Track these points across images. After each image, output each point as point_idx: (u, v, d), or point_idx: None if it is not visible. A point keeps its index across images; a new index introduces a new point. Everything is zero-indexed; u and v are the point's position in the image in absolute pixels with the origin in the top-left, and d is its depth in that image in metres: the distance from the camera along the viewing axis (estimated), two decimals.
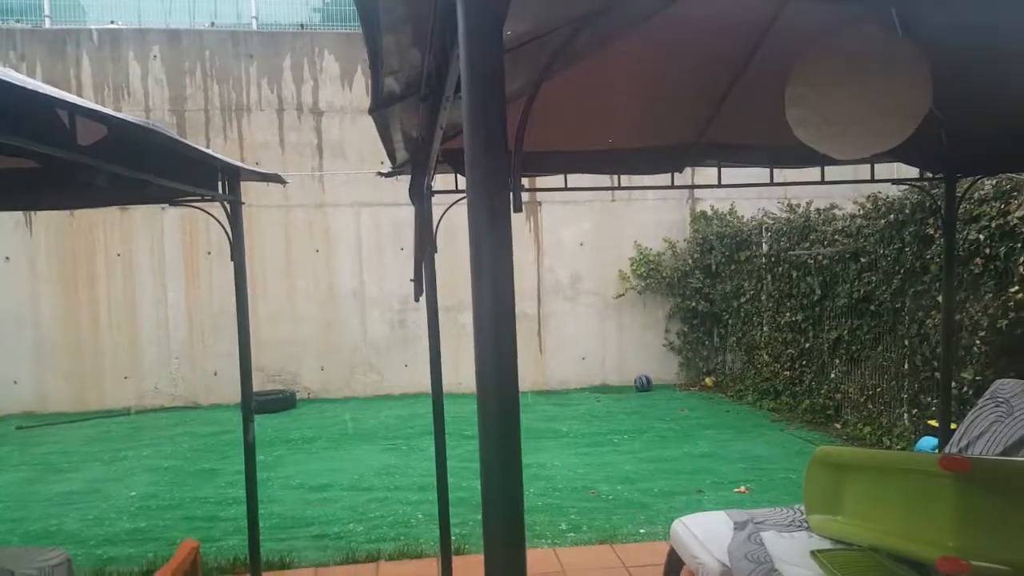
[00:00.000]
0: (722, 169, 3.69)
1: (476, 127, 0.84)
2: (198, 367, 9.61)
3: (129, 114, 2.30)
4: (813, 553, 2.62)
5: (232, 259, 3.50)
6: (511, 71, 2.07)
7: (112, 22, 9.79)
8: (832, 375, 7.40)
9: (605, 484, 5.70)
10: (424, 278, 3.19)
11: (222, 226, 3.53)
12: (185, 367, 9.62)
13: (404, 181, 3.05)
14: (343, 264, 9.84)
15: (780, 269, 8.32)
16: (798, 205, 8.29)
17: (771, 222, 8.64)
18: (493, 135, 0.84)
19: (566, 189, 3.57)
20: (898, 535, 2.53)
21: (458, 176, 3.24)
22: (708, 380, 9.91)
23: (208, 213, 3.72)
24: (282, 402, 9.12)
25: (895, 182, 4.02)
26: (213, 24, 10.16)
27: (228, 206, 3.48)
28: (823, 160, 3.26)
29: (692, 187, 4.27)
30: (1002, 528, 2.24)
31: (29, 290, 9.35)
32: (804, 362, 7.92)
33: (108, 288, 9.48)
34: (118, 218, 9.42)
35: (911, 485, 2.56)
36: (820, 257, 7.45)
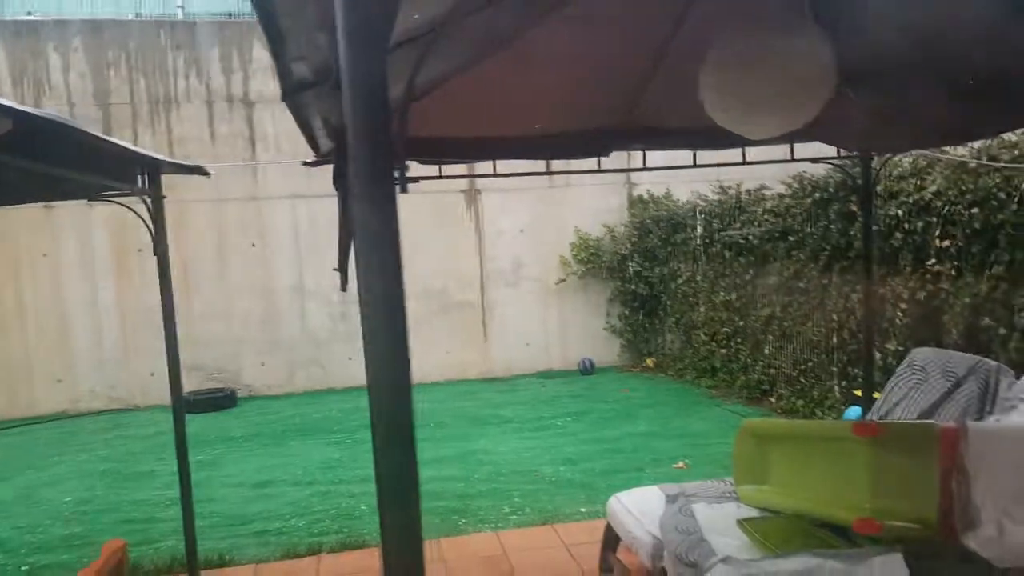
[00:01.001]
0: (650, 153, 3.77)
1: (355, 111, 0.84)
2: (133, 368, 9.26)
3: (50, 108, 2.20)
4: (739, 522, 2.72)
5: (155, 254, 3.40)
6: (417, 61, 2.05)
7: (29, 13, 9.29)
8: (766, 351, 7.64)
9: (549, 467, 5.78)
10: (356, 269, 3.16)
11: (144, 222, 3.41)
12: (120, 368, 9.27)
13: None
14: (281, 258, 9.63)
15: (714, 250, 8.53)
16: (730, 187, 8.49)
17: (704, 204, 8.83)
18: (372, 119, 0.84)
19: (495, 176, 3.59)
20: (819, 501, 2.64)
21: None
22: (649, 361, 10.11)
23: (131, 209, 3.59)
24: (222, 400, 8.90)
25: (813, 161, 4.16)
26: (138, 15, 9.75)
27: (149, 201, 3.38)
28: (743, 142, 3.35)
29: (624, 171, 4.34)
30: (911, 488, 2.35)
31: None
32: (739, 340, 8.15)
33: (35, 289, 9.06)
34: (43, 216, 8.97)
35: (829, 452, 2.68)
36: (751, 237, 7.66)
